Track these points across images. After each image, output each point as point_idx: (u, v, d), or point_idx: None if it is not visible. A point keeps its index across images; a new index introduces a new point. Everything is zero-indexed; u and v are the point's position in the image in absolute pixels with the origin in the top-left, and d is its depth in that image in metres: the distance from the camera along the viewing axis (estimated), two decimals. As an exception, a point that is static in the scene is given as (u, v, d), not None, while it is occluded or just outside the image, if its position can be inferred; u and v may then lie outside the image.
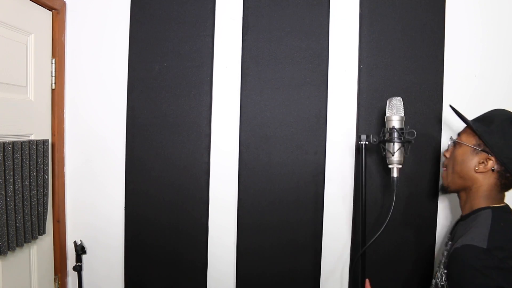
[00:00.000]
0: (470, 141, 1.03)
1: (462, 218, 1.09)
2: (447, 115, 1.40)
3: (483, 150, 0.99)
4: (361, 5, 1.44)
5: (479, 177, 1.00)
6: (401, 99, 1.13)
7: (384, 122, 1.19)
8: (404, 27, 1.42)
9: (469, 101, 1.40)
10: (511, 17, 1.41)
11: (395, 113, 1.12)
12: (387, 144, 1.12)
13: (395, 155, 1.09)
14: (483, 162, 0.99)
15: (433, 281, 1.17)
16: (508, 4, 1.41)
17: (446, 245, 1.16)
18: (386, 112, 1.14)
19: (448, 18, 1.41)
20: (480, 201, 1.01)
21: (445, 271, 0.95)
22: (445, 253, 1.11)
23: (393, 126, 1.10)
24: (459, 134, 1.10)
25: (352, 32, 1.47)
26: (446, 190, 1.12)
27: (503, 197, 1.04)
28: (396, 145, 1.09)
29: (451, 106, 1.15)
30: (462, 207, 1.10)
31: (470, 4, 1.42)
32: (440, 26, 1.41)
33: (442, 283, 1.00)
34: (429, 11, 1.41)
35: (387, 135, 1.11)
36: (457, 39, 1.42)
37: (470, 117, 1.09)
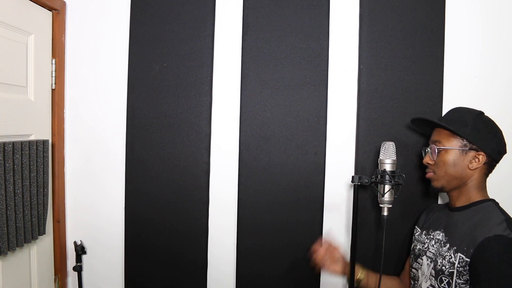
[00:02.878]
0: (455, 144, 1.13)
1: (457, 209, 1.16)
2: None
3: (470, 149, 1.11)
4: (361, 5, 1.44)
5: (474, 172, 1.12)
6: (394, 144, 1.20)
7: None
8: (404, 27, 1.42)
9: (469, 101, 1.39)
10: (511, 18, 1.41)
11: (387, 156, 1.19)
12: (378, 185, 1.19)
13: (385, 196, 1.17)
14: (474, 159, 1.11)
15: (414, 270, 1.20)
16: (508, 4, 1.41)
17: (428, 233, 1.21)
18: (380, 155, 1.21)
19: (448, 18, 1.41)
20: (477, 192, 1.13)
21: (468, 259, 1.01)
22: (436, 241, 1.15)
23: (385, 169, 1.18)
24: (435, 141, 1.18)
25: (352, 32, 1.47)
26: (440, 191, 1.21)
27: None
28: (387, 187, 1.17)
29: (420, 118, 1.24)
30: (455, 200, 1.18)
31: (470, 4, 1.42)
32: (440, 26, 1.41)
33: (451, 270, 1.04)
34: (429, 11, 1.41)
35: (379, 176, 1.18)
36: (457, 39, 1.42)
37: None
